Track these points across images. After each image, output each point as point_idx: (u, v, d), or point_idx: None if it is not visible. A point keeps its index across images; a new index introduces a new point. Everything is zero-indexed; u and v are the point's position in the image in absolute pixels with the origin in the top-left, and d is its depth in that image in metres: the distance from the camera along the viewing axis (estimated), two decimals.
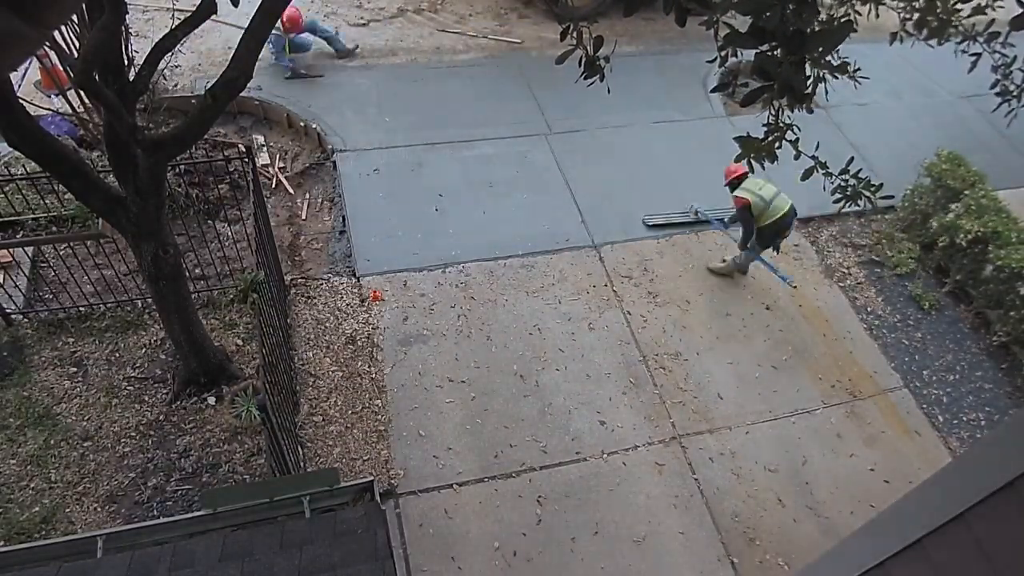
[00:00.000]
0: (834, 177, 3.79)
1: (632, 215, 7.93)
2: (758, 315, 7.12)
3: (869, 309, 7.35)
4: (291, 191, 7.91)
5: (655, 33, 10.45)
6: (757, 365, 6.71)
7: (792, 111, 3.23)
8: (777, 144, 3.51)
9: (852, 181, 3.76)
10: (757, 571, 5.42)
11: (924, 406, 6.57)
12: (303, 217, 7.70)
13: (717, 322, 7.01)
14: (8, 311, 6.22)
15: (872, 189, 3.72)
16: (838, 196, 3.84)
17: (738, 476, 5.91)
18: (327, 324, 6.64)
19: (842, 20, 3.28)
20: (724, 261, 7.37)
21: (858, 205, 3.83)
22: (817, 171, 3.73)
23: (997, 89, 3.95)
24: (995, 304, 7.05)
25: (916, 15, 3.74)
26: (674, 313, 7.04)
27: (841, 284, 7.55)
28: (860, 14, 3.93)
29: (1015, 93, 3.91)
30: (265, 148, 8.24)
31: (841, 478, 5.97)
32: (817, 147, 3.70)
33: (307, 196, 7.94)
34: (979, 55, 3.85)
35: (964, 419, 6.52)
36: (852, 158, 3.79)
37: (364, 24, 10.15)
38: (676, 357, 6.68)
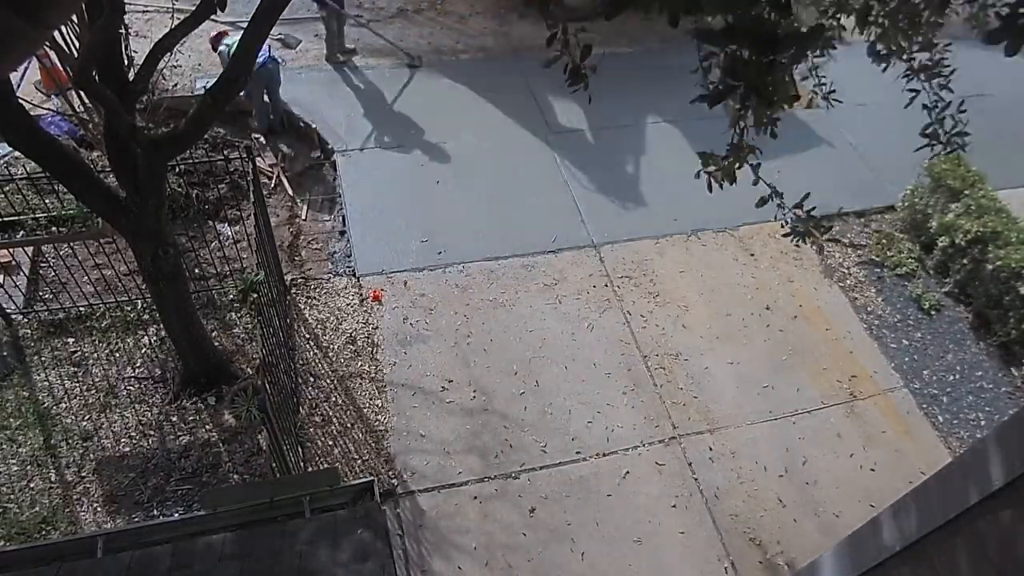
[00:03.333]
0: (787, 210, 3.70)
1: (632, 215, 7.94)
2: (758, 315, 7.12)
3: (869, 309, 7.35)
4: (291, 191, 7.91)
5: (654, 33, 10.44)
6: (757, 365, 6.71)
7: (758, 131, 3.18)
8: (737, 165, 3.46)
9: (803, 217, 3.67)
10: (757, 571, 5.42)
11: (924, 406, 6.57)
12: (303, 217, 7.70)
13: (717, 322, 7.01)
14: (8, 311, 6.22)
15: (821, 230, 3.63)
16: (787, 231, 3.77)
17: (738, 476, 5.91)
18: (327, 324, 6.64)
19: (815, 26, 3.23)
20: None
21: (805, 243, 3.77)
22: (772, 201, 3.65)
23: (928, 131, 3.82)
24: (995, 304, 7.05)
25: (879, 33, 3.67)
26: (674, 313, 7.04)
27: (841, 284, 7.55)
28: (845, 28, 3.89)
29: (942, 140, 3.79)
30: (268, 148, 8.24)
31: (841, 478, 5.97)
32: (777, 173, 3.62)
33: (307, 196, 7.94)
34: (916, 93, 3.77)
35: (964, 419, 6.52)
36: (808, 194, 3.63)
37: (364, 24, 10.15)
38: (676, 357, 6.68)
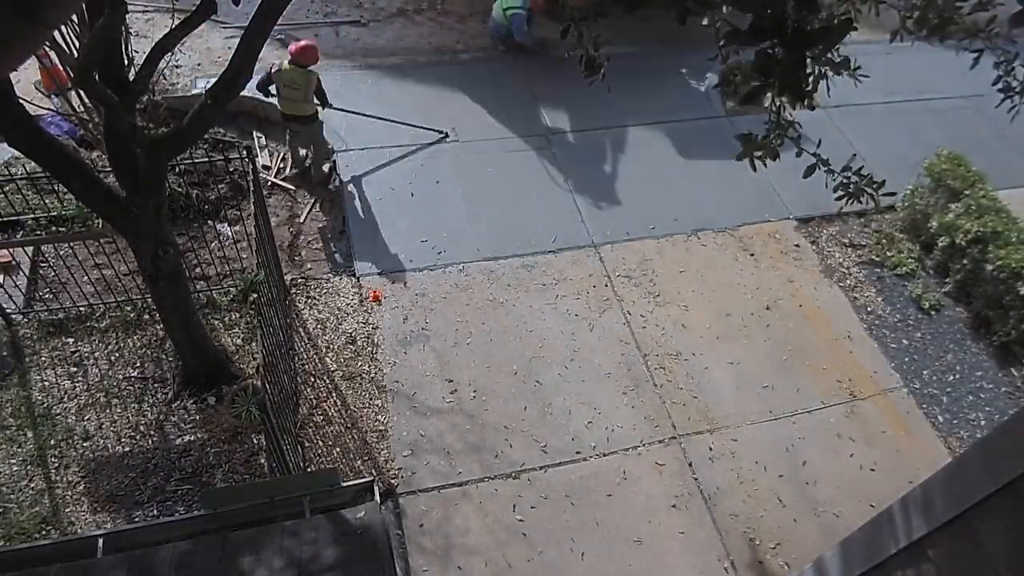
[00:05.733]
0: (836, 175, 3.78)
1: (632, 215, 7.94)
2: (758, 315, 7.12)
3: (869, 309, 7.35)
4: (291, 191, 7.90)
5: (654, 33, 10.42)
6: (757, 365, 6.70)
7: (794, 108, 3.22)
8: (779, 142, 3.51)
9: (855, 178, 3.75)
10: (757, 571, 5.42)
11: (924, 406, 6.57)
12: (303, 217, 7.69)
13: (717, 322, 7.01)
14: (8, 311, 6.22)
15: (875, 186, 3.71)
16: (840, 194, 3.83)
17: (738, 476, 5.91)
18: (327, 324, 6.64)
19: (842, 18, 3.28)
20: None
21: (860, 202, 3.82)
22: (819, 169, 3.72)
23: (999, 86, 3.95)
24: (995, 304, 7.05)
25: (917, 13, 3.73)
26: (674, 313, 7.04)
27: (841, 284, 7.55)
28: (861, 12, 3.92)
29: (1018, 89, 3.90)
30: (267, 148, 8.23)
31: (841, 478, 5.97)
32: (819, 144, 3.69)
33: (307, 196, 7.93)
34: (981, 52, 3.84)
35: (964, 419, 6.52)
36: (855, 155, 3.79)
37: (364, 24, 10.15)
38: (676, 357, 6.68)
